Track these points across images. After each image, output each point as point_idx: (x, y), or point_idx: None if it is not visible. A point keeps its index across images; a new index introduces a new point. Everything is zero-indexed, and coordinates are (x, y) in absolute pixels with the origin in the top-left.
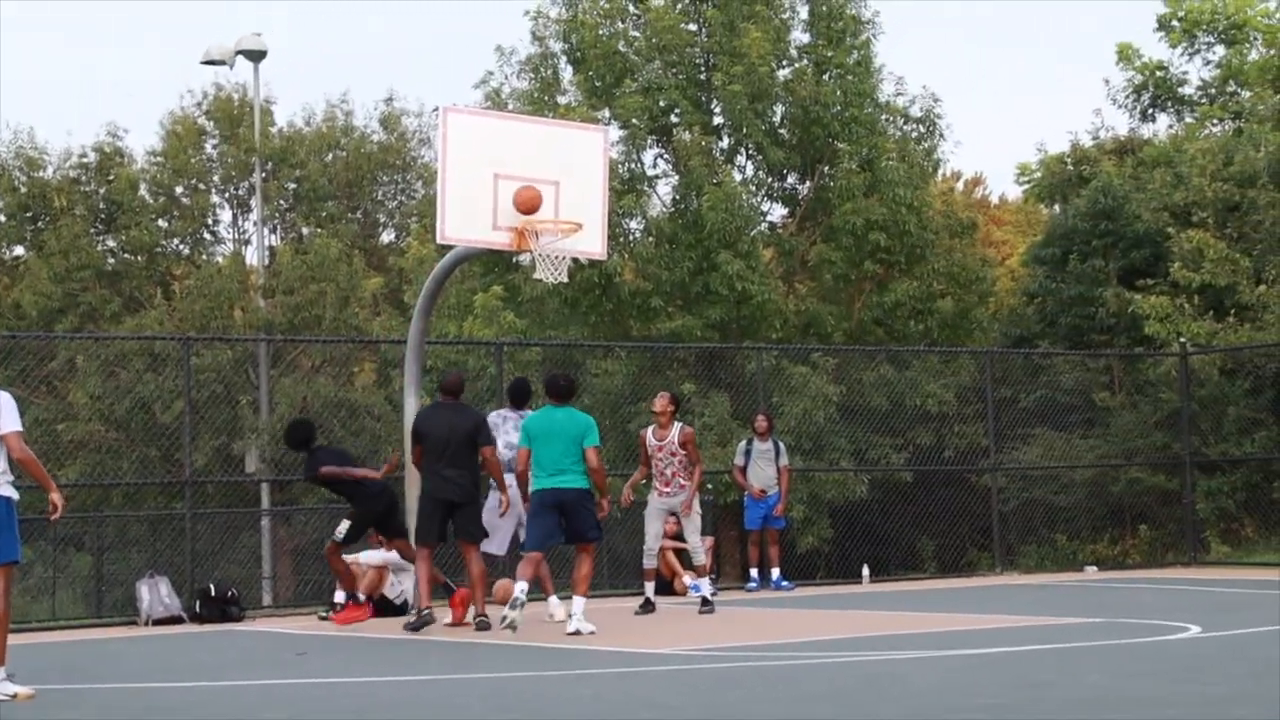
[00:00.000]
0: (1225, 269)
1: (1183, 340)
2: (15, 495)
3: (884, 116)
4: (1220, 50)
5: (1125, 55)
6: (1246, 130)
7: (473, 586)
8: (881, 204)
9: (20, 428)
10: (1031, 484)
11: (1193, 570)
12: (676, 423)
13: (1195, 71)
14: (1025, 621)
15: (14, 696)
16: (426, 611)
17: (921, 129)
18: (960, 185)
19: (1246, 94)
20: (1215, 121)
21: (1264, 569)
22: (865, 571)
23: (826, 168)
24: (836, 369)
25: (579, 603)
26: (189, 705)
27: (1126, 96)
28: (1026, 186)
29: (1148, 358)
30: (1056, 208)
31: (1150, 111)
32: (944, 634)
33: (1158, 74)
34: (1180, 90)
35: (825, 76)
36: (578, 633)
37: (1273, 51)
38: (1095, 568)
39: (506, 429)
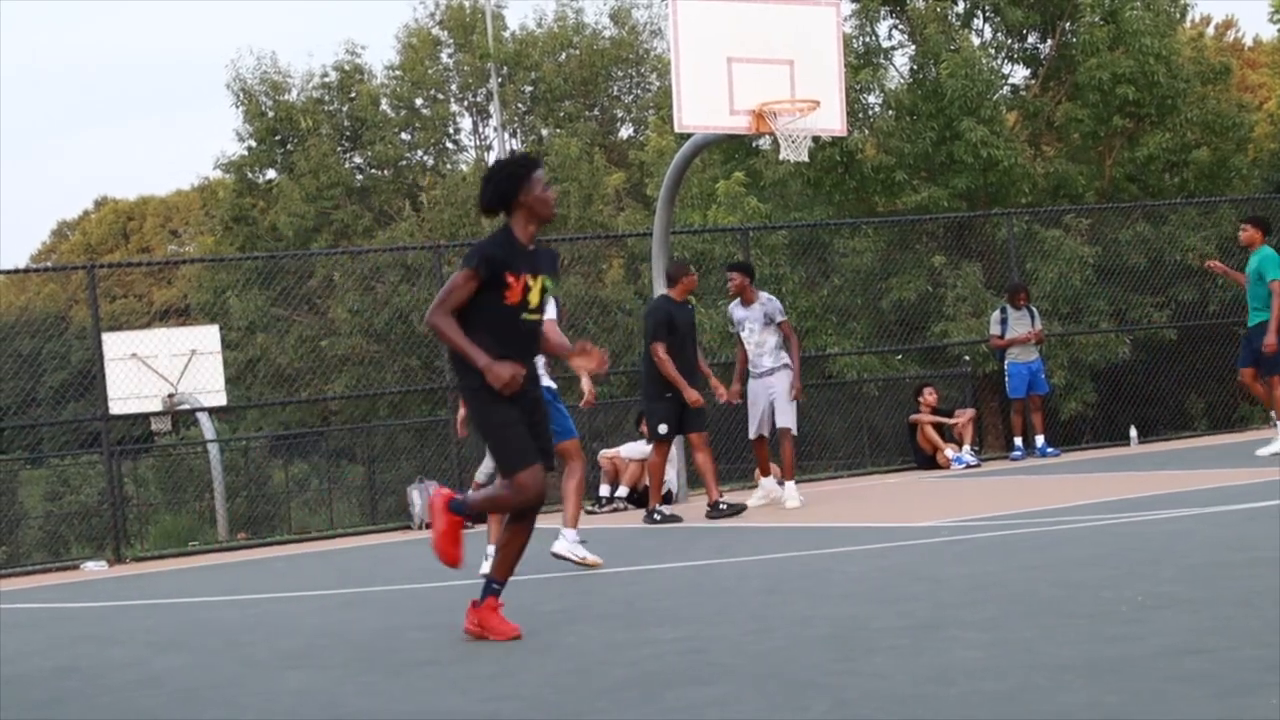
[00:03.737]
0: None
1: None
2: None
3: None
4: None
5: None
6: None
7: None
8: (1128, 56)
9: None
10: None
11: None
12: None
13: None
14: None
15: (583, 560)
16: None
17: None
18: (1210, 30)
19: None
20: None
21: None
22: (1133, 433)
23: (1068, 23)
24: (1090, 229)
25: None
26: (466, 603)
27: None
28: None
29: None
30: None
31: None
32: (1217, 490)
33: None
34: None
35: None
36: None
37: None
38: None
39: None
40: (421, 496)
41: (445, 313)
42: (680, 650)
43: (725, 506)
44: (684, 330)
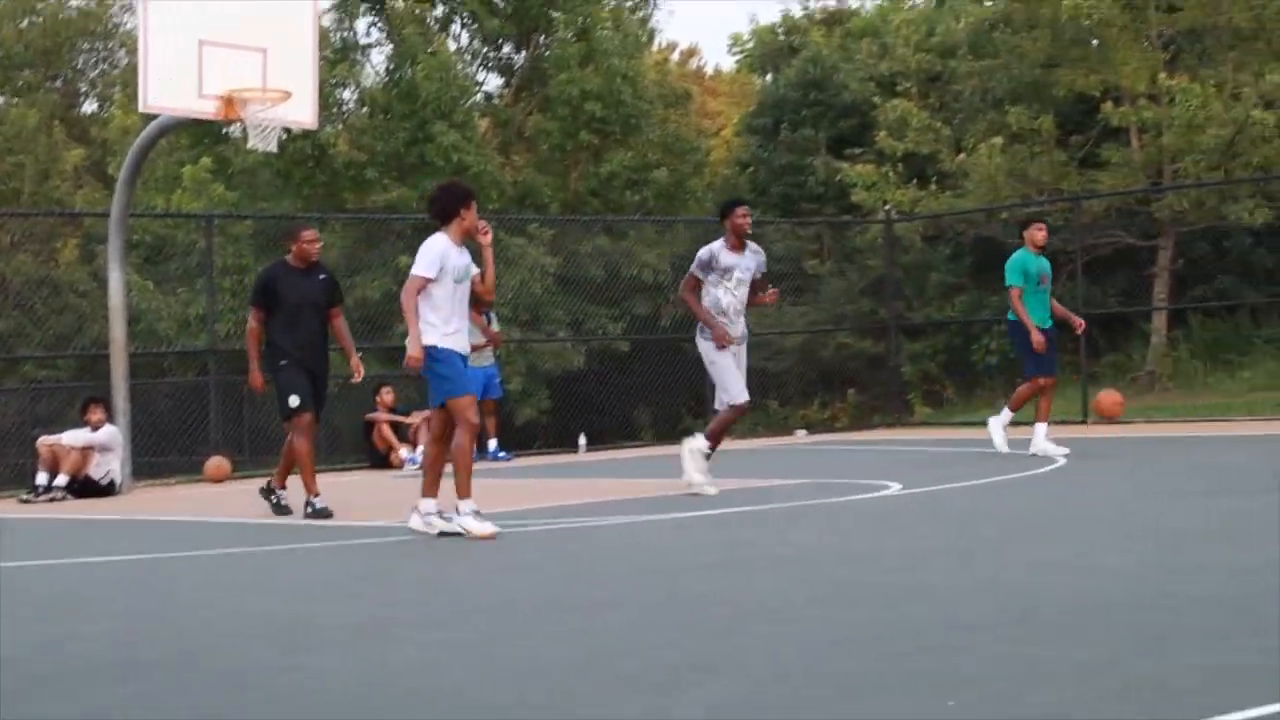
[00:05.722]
0: (927, 138)
1: (888, 208)
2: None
3: None
4: None
5: None
6: (948, 2)
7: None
8: (597, 74)
9: (423, 274)
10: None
11: (897, 431)
12: None
13: None
14: (736, 484)
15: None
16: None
17: None
18: (675, 56)
19: None
20: None
21: (962, 429)
22: (582, 440)
23: (542, 37)
24: (553, 240)
25: None
26: None
27: None
28: (739, 57)
29: (855, 225)
30: (768, 78)
31: None
32: (655, 499)
33: None
34: None
35: None
36: None
37: None
38: (805, 431)
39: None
40: None
41: None
42: (110, 645)
43: (316, 507)
44: (298, 299)
